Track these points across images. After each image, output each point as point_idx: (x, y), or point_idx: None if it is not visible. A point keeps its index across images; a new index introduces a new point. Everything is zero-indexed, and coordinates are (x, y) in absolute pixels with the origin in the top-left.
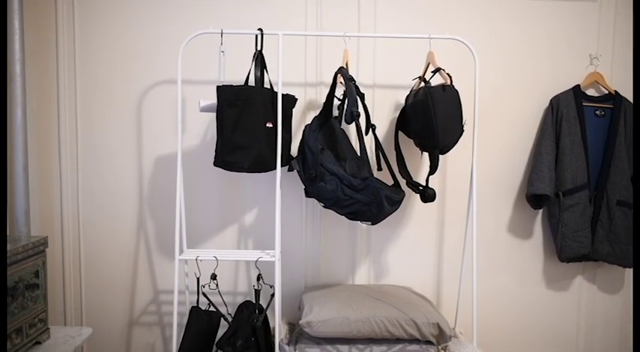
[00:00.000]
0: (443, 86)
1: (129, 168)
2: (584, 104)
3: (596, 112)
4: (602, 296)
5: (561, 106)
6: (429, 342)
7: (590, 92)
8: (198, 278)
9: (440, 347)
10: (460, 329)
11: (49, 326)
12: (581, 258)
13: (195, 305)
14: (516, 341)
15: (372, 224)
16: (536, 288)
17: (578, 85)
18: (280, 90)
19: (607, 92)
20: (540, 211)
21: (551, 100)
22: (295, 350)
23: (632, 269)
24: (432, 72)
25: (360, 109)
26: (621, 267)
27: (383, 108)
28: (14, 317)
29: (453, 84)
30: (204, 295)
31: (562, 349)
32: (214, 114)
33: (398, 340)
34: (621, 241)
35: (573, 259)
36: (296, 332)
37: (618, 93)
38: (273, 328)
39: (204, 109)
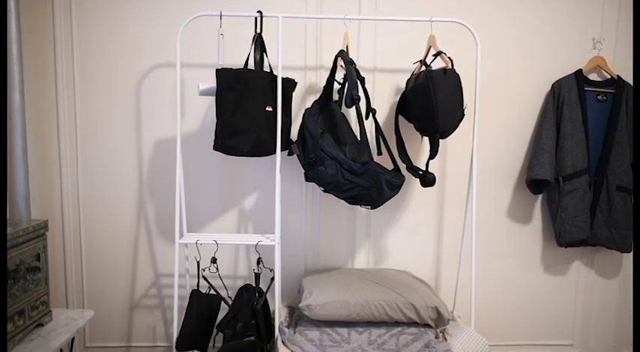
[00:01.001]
0: (444, 70)
1: (128, 152)
2: (586, 89)
3: (598, 97)
4: (599, 280)
5: (563, 91)
6: (427, 325)
7: (593, 76)
8: (198, 262)
9: (438, 331)
10: (458, 313)
11: (51, 308)
12: (580, 243)
13: (196, 288)
14: (514, 324)
15: (372, 208)
16: (535, 273)
17: (581, 70)
18: (280, 74)
19: (609, 77)
20: (540, 196)
21: (552, 85)
22: (295, 332)
23: (629, 254)
24: (433, 55)
25: (361, 93)
26: (619, 252)
27: (383, 93)
28: (16, 300)
29: (454, 67)
30: (205, 278)
31: (558, 332)
32: (214, 97)
33: (397, 323)
34: (620, 226)
35: (572, 244)
36: (296, 315)
37: (621, 78)
38: (273, 311)
39: (204, 93)
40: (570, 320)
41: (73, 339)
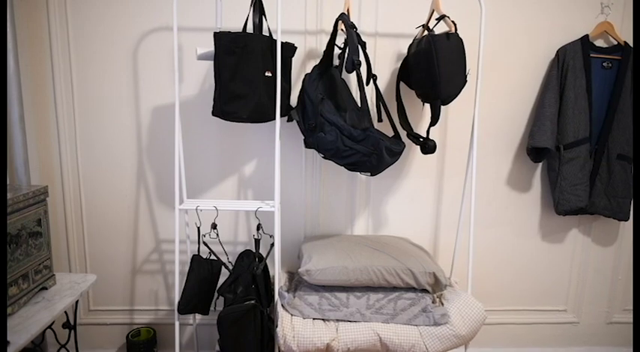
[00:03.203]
0: (447, 34)
1: (126, 118)
2: (591, 55)
3: (604, 64)
4: (595, 248)
5: (568, 57)
6: (424, 291)
7: (599, 43)
8: (198, 228)
9: (435, 296)
10: (455, 279)
11: (54, 273)
12: (578, 212)
13: (197, 253)
14: (509, 290)
15: (372, 175)
16: (532, 240)
17: (587, 36)
18: (279, 38)
19: (616, 43)
20: (540, 164)
21: (557, 51)
22: (295, 297)
23: (626, 223)
24: (436, 19)
25: (362, 58)
26: (616, 220)
27: (385, 58)
28: (20, 264)
29: (458, 32)
30: (205, 244)
31: (553, 298)
32: (212, 62)
33: (394, 288)
34: (618, 195)
35: (570, 212)
36: (295, 281)
37: (628, 45)
38: (273, 276)
39: (202, 57)
40: (565, 286)
41: (77, 302)
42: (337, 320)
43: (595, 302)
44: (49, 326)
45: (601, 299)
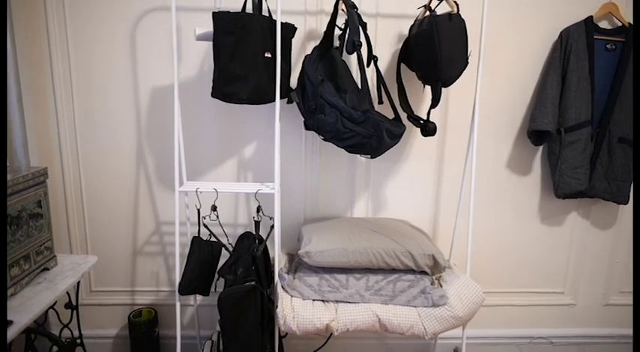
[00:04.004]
0: (449, 15)
1: (125, 99)
2: (595, 37)
3: (607, 46)
4: (594, 231)
5: (571, 39)
6: (423, 273)
7: (603, 24)
8: (198, 210)
9: (434, 278)
10: (454, 261)
11: (55, 254)
12: (578, 195)
13: (197, 235)
14: (507, 272)
15: (372, 157)
16: (531, 223)
17: (591, 17)
18: (279, 19)
19: (620, 24)
20: (540, 148)
21: (560, 33)
22: (294, 278)
23: (625, 207)
24: (438, 0)
25: (362, 39)
26: (616, 204)
27: (386, 39)
28: (21, 245)
29: (460, 13)
30: (205, 226)
31: (551, 280)
32: (211, 43)
33: (394, 270)
34: (618, 178)
35: (569, 195)
36: (295, 262)
37: (632, 26)
38: (273, 258)
39: (201, 38)
40: (563, 269)
41: (78, 283)
42: (337, 302)
43: (592, 284)
44: (52, 307)
45: (598, 281)
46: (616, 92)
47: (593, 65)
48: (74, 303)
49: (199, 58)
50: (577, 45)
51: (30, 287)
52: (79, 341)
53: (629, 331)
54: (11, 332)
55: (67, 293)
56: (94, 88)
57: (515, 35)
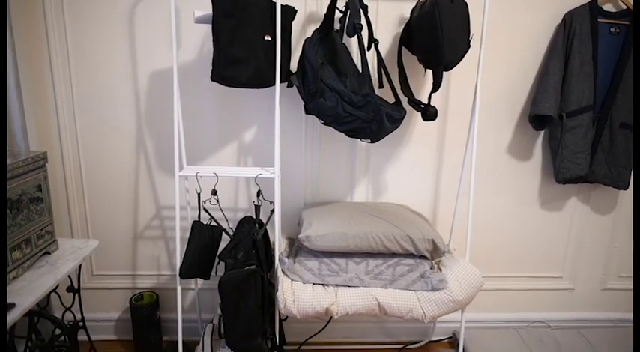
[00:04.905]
0: None
1: (124, 83)
2: (599, 20)
3: (611, 29)
4: (594, 216)
5: (574, 22)
6: (423, 257)
7: (608, 7)
8: (199, 194)
9: (433, 262)
10: (454, 246)
11: (56, 238)
12: (578, 180)
13: (197, 219)
14: (507, 257)
15: (372, 142)
16: (531, 208)
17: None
18: (279, 1)
19: (625, 7)
20: (541, 133)
21: (564, 16)
22: (295, 262)
23: (625, 192)
24: None
25: (363, 22)
26: (615, 189)
27: (387, 23)
28: (22, 228)
29: None
30: (206, 210)
31: (549, 265)
32: (210, 26)
33: (393, 254)
34: (619, 163)
35: (570, 181)
36: (295, 247)
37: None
38: (273, 242)
39: (199, 20)
40: (561, 253)
41: (80, 267)
42: (336, 285)
43: (590, 269)
44: (54, 290)
45: (596, 266)
46: (619, 76)
47: (597, 49)
48: (76, 287)
49: (198, 41)
50: (581, 28)
51: (32, 271)
52: (81, 323)
53: (626, 315)
54: (14, 315)
55: (69, 276)
56: (91, 72)
57: (518, 18)
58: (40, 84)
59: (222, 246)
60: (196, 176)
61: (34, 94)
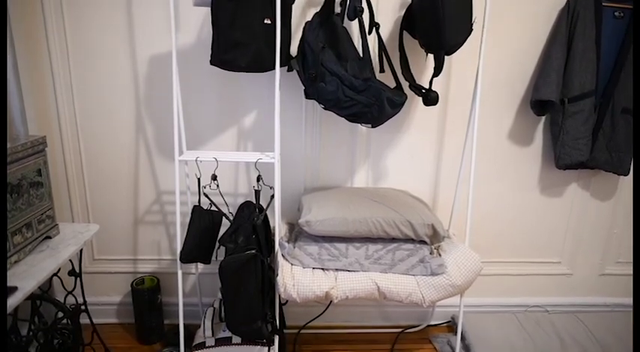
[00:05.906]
0: None
1: (122, 67)
2: (603, 4)
3: (615, 13)
4: (594, 202)
5: (578, 6)
6: (422, 242)
7: None
8: (199, 179)
9: (433, 247)
10: (453, 231)
11: (57, 222)
12: (578, 166)
13: (197, 204)
14: (506, 242)
15: (373, 126)
16: (531, 194)
17: None
18: None
19: None
20: (542, 118)
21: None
22: (295, 247)
23: (625, 178)
24: None
25: (364, 5)
26: (616, 175)
27: (388, 6)
28: (22, 213)
29: None
30: (206, 195)
31: (548, 251)
32: (210, 8)
33: (393, 239)
34: (620, 149)
35: (570, 166)
36: (295, 232)
37: None
38: (273, 227)
39: (198, 3)
40: (560, 239)
41: (81, 251)
42: (336, 270)
43: (589, 254)
44: (56, 274)
45: (595, 251)
46: (622, 61)
47: (600, 33)
48: (77, 271)
49: (197, 24)
50: (584, 12)
51: (33, 255)
52: (83, 307)
53: (624, 300)
54: (17, 298)
55: (71, 261)
56: (89, 55)
57: (521, 3)
58: (38, 68)
59: (222, 230)
60: (196, 161)
61: (32, 78)
